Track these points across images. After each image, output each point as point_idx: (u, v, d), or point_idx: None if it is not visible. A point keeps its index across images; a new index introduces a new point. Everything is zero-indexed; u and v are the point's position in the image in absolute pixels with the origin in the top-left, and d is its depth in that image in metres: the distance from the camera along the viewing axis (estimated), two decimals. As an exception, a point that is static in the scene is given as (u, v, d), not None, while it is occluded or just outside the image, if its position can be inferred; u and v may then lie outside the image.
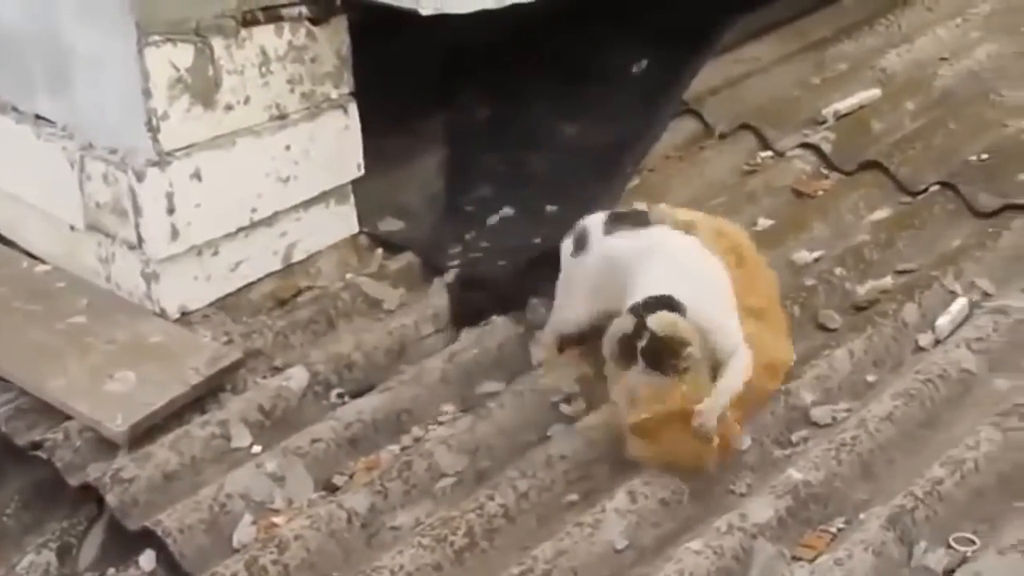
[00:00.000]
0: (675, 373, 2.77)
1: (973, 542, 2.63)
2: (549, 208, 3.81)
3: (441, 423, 3.13)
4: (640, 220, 3.12)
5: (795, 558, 2.64)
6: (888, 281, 3.43)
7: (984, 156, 3.89)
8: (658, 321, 2.77)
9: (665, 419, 2.77)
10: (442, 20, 3.54)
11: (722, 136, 4.16)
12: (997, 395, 2.99)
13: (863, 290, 3.40)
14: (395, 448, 3.08)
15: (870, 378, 3.13)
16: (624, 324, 2.81)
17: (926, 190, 3.79)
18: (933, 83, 4.38)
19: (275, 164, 3.51)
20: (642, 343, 2.76)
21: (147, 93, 3.23)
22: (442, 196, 3.95)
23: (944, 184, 3.78)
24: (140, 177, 3.30)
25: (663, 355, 2.76)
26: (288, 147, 3.52)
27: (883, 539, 2.60)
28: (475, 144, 4.16)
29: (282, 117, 3.49)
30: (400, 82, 4.20)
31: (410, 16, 3.53)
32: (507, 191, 3.93)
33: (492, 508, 2.80)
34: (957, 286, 3.36)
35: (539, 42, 4.45)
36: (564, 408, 3.12)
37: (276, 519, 2.87)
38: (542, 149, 4.12)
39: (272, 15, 3.39)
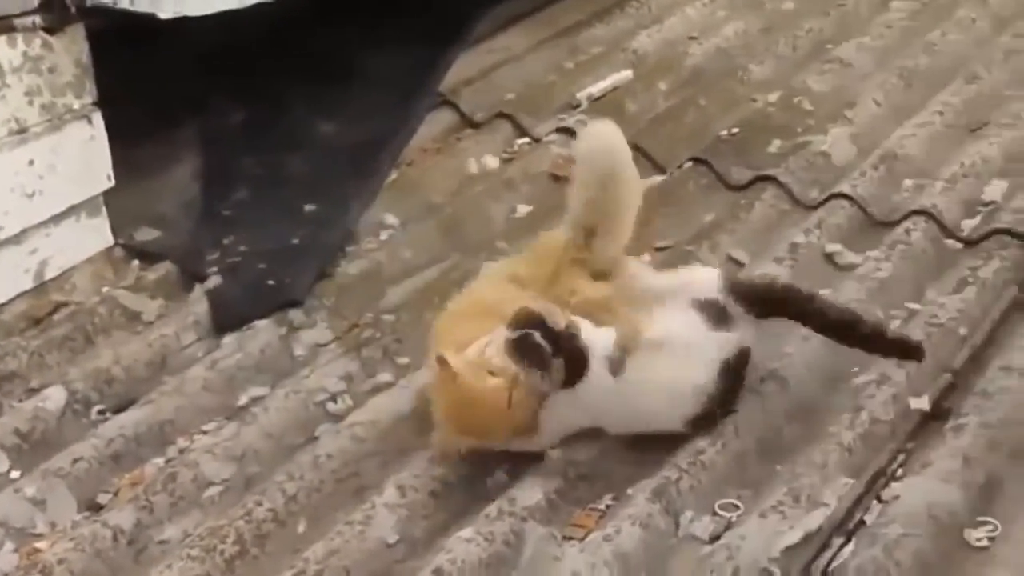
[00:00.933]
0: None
1: (737, 507, 2.69)
2: (308, 208, 3.77)
3: (206, 432, 3.07)
4: None
5: (566, 538, 2.65)
6: (647, 258, 3.46)
7: (735, 131, 3.98)
8: None
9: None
10: (191, 24, 3.48)
11: (479, 125, 4.16)
12: (755, 361, 3.03)
13: (624, 270, 3.44)
14: (160, 461, 3.01)
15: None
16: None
17: (681, 167, 3.84)
18: (684, 62, 4.46)
19: (19, 180, 3.39)
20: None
21: None
22: (199, 202, 3.87)
23: (697, 160, 3.83)
24: None
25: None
26: (31, 162, 3.40)
27: (650, 511, 2.63)
28: (231, 148, 4.10)
29: (22, 131, 3.38)
30: (152, 89, 4.13)
31: (155, 21, 3.46)
32: (265, 193, 3.87)
33: (261, 514, 2.76)
34: (713, 259, 3.42)
35: (293, 42, 4.42)
36: (331, 407, 3.09)
37: (39, 544, 2.78)
38: (299, 149, 4.08)
39: (3, 26, 3.28)
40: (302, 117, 4.21)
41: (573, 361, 2.74)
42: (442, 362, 2.75)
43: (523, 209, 3.75)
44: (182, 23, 3.53)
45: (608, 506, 2.72)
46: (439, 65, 4.33)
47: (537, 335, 2.69)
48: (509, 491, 2.74)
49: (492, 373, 2.74)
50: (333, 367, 3.18)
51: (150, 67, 4.16)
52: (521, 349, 2.71)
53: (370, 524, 2.70)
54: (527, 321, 2.72)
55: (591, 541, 2.59)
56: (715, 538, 2.60)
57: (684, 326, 2.80)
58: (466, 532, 2.63)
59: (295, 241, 3.61)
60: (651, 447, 2.84)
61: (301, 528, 2.78)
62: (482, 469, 2.85)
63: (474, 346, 2.81)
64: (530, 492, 2.72)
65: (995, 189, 3.62)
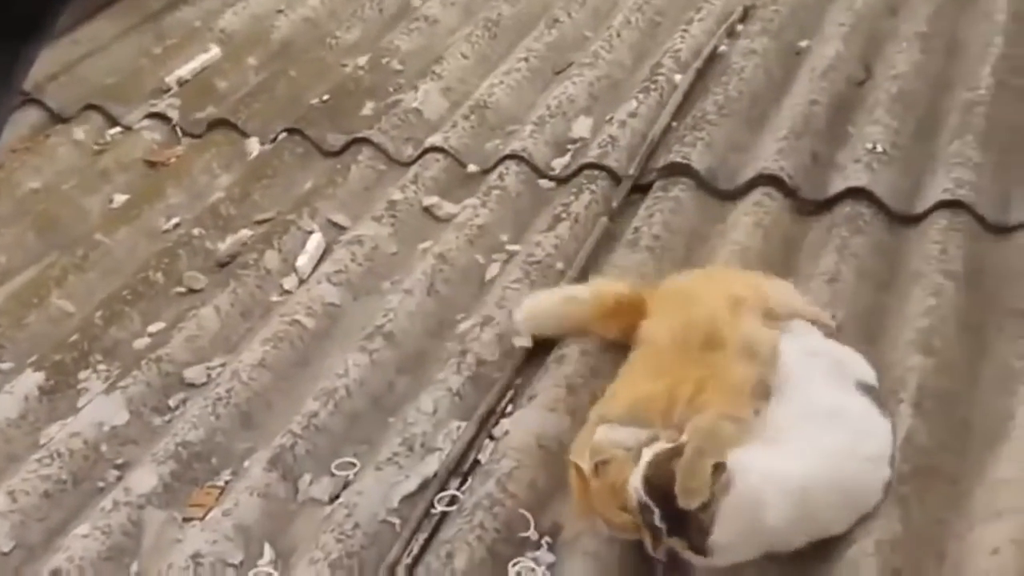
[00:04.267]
0: None
1: (354, 464, 2.72)
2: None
3: None
4: None
5: (186, 519, 2.64)
6: (247, 233, 3.44)
7: (326, 97, 3.97)
8: None
9: None
10: None
11: (68, 120, 4.06)
12: (362, 320, 3.08)
13: (224, 246, 3.41)
14: None
15: (240, 330, 3.15)
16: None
17: (275, 139, 3.83)
18: (272, 36, 4.42)
19: None
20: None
21: None
22: None
23: (292, 130, 3.82)
24: None
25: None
26: None
27: (267, 481, 2.65)
28: None
29: None
30: None
31: None
32: None
33: None
34: (314, 225, 3.43)
35: None
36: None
37: None
38: None
39: None
40: None
41: (691, 540, 2.34)
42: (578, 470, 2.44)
43: (120, 198, 3.68)
44: None
45: (227, 481, 2.72)
46: (21, 63, 4.18)
47: (656, 516, 2.32)
48: (124, 481, 2.70)
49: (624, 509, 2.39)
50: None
51: None
52: (641, 515, 2.35)
53: (-18, 536, 2.63)
54: (655, 490, 2.32)
55: (211, 519, 2.59)
56: (334, 498, 2.64)
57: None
58: (83, 528, 2.59)
59: None
60: (265, 419, 2.85)
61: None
62: (95, 464, 2.79)
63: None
64: (145, 478, 2.69)
65: (582, 126, 3.74)
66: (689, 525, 2.31)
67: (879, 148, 3.41)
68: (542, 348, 2.93)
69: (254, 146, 3.84)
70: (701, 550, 2.32)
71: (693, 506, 2.29)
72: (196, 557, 2.50)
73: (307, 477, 2.68)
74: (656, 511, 2.31)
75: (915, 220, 3.24)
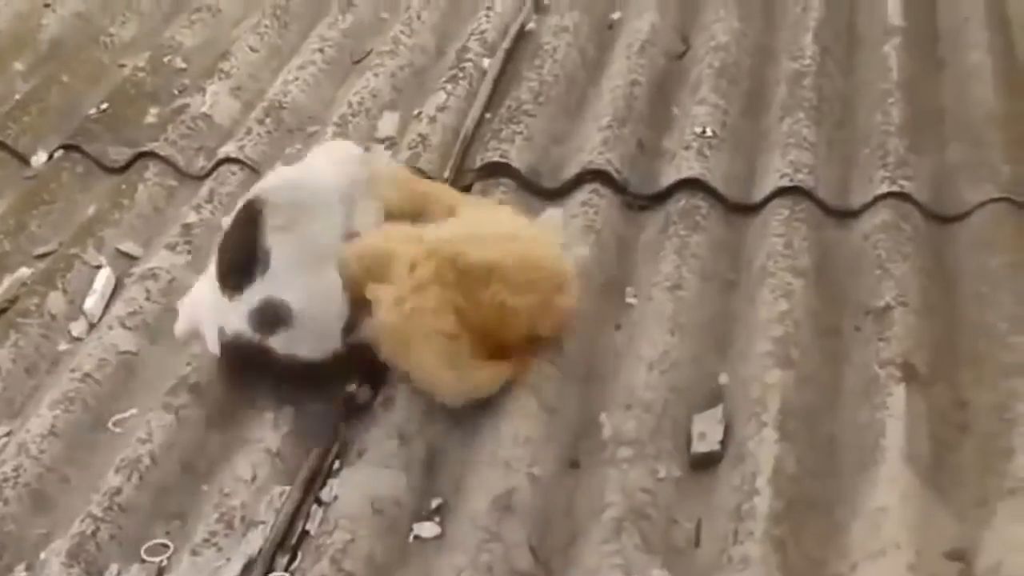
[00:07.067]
0: None
1: (167, 547, 2.41)
2: None
3: None
4: None
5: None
6: (26, 272, 3.08)
7: (104, 106, 3.60)
8: None
9: None
10: None
11: None
12: (163, 369, 2.76)
13: (1, 290, 3.04)
14: None
15: (25, 389, 2.79)
16: None
17: (51, 157, 3.45)
18: (39, 36, 4.00)
19: None
20: None
21: None
22: None
23: (68, 147, 3.45)
24: None
25: None
26: None
27: (68, 579, 2.32)
28: None
29: None
30: None
31: None
32: None
33: None
34: (102, 258, 3.08)
35: None
36: None
37: None
38: None
39: None
40: None
41: None
42: None
43: None
44: None
45: (20, 583, 2.39)
46: None
47: None
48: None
49: None
50: None
51: None
52: None
53: None
54: None
55: (2, 633, 2.27)
56: (148, 589, 2.33)
57: None
58: None
59: None
60: (61, 498, 2.52)
61: None
62: None
63: None
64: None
65: (388, 123, 3.46)
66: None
67: (708, 131, 3.22)
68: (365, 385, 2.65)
69: (28, 167, 3.45)
70: None
71: None
72: None
73: (114, 568, 2.36)
74: None
75: (754, 209, 3.08)
